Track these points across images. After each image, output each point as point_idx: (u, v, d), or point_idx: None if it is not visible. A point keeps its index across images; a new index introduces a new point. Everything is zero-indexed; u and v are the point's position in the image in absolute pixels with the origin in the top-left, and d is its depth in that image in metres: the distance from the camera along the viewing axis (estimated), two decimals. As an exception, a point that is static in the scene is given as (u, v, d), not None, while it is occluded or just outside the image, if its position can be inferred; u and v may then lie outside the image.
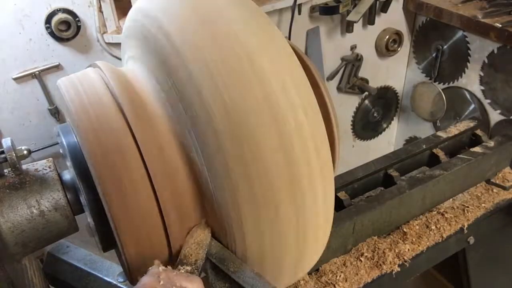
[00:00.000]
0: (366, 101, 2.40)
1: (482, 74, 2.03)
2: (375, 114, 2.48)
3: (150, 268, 0.67)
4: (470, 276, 1.42)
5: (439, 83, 2.26)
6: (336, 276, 1.11)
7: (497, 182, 1.38)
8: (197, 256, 0.73)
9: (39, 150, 1.63)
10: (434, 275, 1.72)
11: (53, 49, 1.54)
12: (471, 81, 2.10)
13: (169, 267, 0.69)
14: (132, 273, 0.75)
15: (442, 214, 1.28)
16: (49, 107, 1.62)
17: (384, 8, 2.07)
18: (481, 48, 1.99)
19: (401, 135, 2.63)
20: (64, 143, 0.80)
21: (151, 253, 0.72)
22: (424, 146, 1.37)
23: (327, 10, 1.88)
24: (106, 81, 0.76)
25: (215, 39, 0.68)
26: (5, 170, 0.78)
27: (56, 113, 1.64)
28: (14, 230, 0.75)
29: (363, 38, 2.16)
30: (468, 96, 2.14)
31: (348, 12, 1.93)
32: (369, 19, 2.08)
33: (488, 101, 2.05)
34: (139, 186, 0.69)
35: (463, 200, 1.33)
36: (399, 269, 1.15)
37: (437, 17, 1.99)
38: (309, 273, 1.12)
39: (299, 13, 1.87)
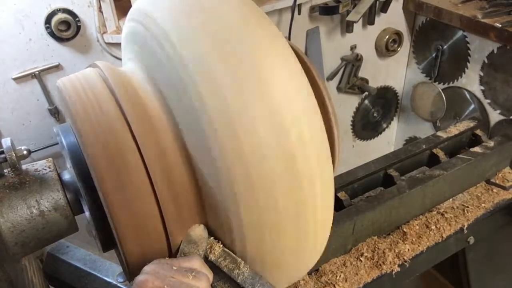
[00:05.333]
0: (366, 101, 2.40)
1: (482, 74, 2.03)
2: (375, 114, 2.48)
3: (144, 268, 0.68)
4: (470, 276, 1.42)
5: (439, 83, 2.26)
6: (336, 276, 1.11)
7: (497, 182, 1.38)
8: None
9: (39, 150, 1.63)
10: (434, 275, 1.72)
11: (53, 49, 1.54)
12: (471, 81, 2.10)
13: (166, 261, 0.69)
14: (132, 273, 0.75)
15: (442, 214, 1.28)
16: (49, 107, 1.63)
17: (384, 8, 2.08)
18: (481, 48, 1.99)
19: (401, 135, 2.63)
20: (64, 143, 0.80)
21: (150, 253, 0.72)
22: (424, 146, 1.37)
23: (327, 10, 1.88)
24: (106, 81, 0.76)
25: (217, 44, 0.68)
26: (5, 170, 0.78)
27: (56, 113, 1.64)
28: (14, 230, 0.75)
29: (363, 38, 2.17)
30: (468, 96, 2.14)
31: (348, 12, 1.93)
32: (369, 19, 2.09)
33: (488, 101, 2.05)
34: (139, 186, 0.69)
35: (463, 200, 1.33)
36: (399, 269, 1.15)
37: (437, 17, 1.99)
38: (309, 273, 1.12)
39: (299, 13, 1.87)
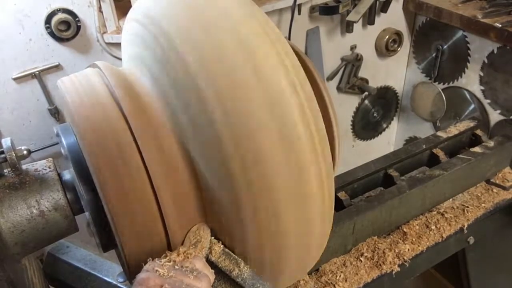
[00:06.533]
0: (366, 101, 2.40)
1: (482, 74, 2.03)
2: (375, 114, 2.48)
3: (146, 264, 0.68)
4: (470, 276, 1.42)
5: (439, 83, 2.26)
6: (336, 276, 1.11)
7: (497, 182, 1.38)
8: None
9: (39, 150, 1.63)
10: (434, 275, 1.72)
11: (53, 49, 1.54)
12: (471, 81, 2.10)
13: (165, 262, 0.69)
14: (132, 273, 0.75)
15: (442, 214, 1.27)
16: (49, 107, 1.62)
17: (384, 8, 2.08)
18: (481, 48, 1.99)
19: (401, 135, 2.63)
20: (64, 143, 0.80)
21: (151, 253, 0.72)
22: (424, 146, 1.37)
23: (327, 10, 1.88)
24: (106, 81, 0.76)
25: (218, 44, 0.68)
26: (5, 170, 0.78)
27: (56, 113, 1.64)
28: (14, 230, 0.75)
29: (363, 38, 2.17)
30: (468, 96, 2.14)
31: (348, 12, 1.93)
32: (369, 19, 2.08)
33: (488, 101, 2.05)
34: (139, 186, 0.69)
35: (463, 200, 1.33)
36: (399, 269, 1.15)
37: (437, 17, 1.99)
38: (309, 273, 1.12)
39: (299, 13, 1.87)
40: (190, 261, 0.70)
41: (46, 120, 1.65)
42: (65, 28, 1.51)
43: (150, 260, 0.69)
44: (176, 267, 0.68)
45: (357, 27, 2.07)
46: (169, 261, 0.69)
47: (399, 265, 1.15)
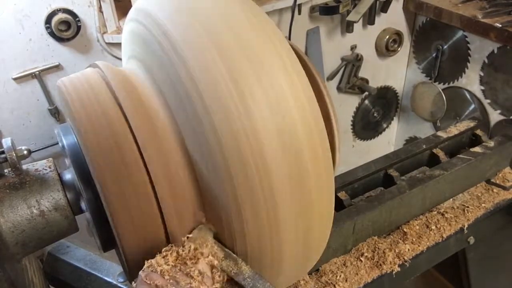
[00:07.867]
0: (366, 101, 2.40)
1: (482, 74, 2.03)
2: (375, 114, 2.48)
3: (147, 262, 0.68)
4: (470, 276, 1.42)
5: (439, 83, 2.26)
6: (336, 276, 1.11)
7: (497, 182, 1.38)
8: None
9: (39, 150, 1.63)
10: (434, 275, 1.72)
11: (53, 49, 1.54)
12: (471, 81, 2.10)
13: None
14: (132, 273, 0.75)
15: (442, 214, 1.28)
16: (49, 107, 1.63)
17: (384, 8, 2.08)
18: (481, 48, 1.99)
19: (401, 135, 2.63)
20: (64, 143, 0.80)
21: (151, 253, 0.72)
22: (424, 146, 1.37)
23: (327, 10, 1.88)
24: (106, 81, 0.76)
25: (217, 44, 0.68)
26: (5, 170, 0.78)
27: (56, 113, 1.64)
28: (14, 230, 0.75)
29: (363, 38, 2.17)
30: (468, 96, 2.14)
31: (348, 12, 1.93)
32: (369, 19, 2.09)
33: (488, 101, 2.05)
34: (139, 185, 0.69)
35: (463, 200, 1.33)
36: (399, 269, 1.15)
37: (437, 17, 1.99)
38: (309, 273, 1.12)
39: (299, 13, 1.87)
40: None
41: (46, 120, 1.65)
42: (65, 28, 1.51)
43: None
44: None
45: (357, 27, 2.07)
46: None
47: (399, 265, 1.15)
